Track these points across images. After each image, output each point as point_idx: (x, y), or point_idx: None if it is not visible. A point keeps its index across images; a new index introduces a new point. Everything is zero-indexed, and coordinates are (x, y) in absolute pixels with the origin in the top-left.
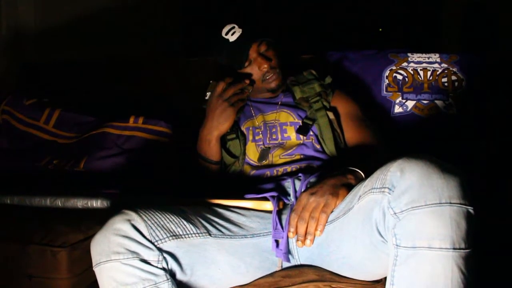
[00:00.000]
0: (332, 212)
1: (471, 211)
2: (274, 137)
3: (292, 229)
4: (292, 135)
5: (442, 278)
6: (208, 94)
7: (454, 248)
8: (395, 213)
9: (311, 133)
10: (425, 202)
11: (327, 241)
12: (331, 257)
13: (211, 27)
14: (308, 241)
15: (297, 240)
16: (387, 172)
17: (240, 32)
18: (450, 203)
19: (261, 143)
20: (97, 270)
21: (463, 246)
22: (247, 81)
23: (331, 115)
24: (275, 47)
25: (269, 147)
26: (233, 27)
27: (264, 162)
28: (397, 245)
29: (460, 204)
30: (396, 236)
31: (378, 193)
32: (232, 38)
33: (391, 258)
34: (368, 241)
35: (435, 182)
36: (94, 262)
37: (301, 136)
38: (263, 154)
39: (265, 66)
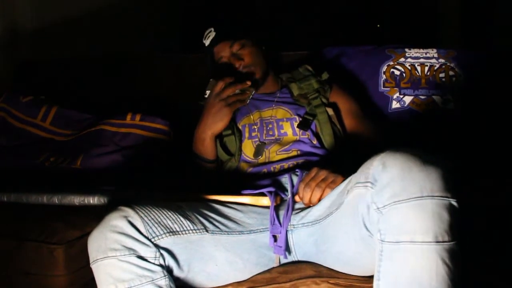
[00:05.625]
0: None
1: (454, 203)
2: (270, 133)
3: (299, 196)
4: (288, 130)
5: (427, 272)
6: (208, 92)
7: (437, 241)
8: (378, 208)
9: (308, 130)
10: (406, 196)
11: (323, 237)
12: (327, 253)
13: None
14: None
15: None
16: (370, 166)
17: (214, 35)
18: (432, 196)
19: (257, 139)
20: (94, 267)
21: (446, 238)
22: (249, 82)
23: (330, 111)
24: (251, 47)
25: (265, 143)
26: (210, 31)
27: (261, 158)
28: (381, 240)
29: (442, 196)
30: (380, 231)
31: (362, 187)
32: (207, 42)
33: (376, 253)
34: (358, 236)
35: (417, 175)
36: (91, 259)
37: (298, 132)
38: (259, 149)
39: (237, 65)
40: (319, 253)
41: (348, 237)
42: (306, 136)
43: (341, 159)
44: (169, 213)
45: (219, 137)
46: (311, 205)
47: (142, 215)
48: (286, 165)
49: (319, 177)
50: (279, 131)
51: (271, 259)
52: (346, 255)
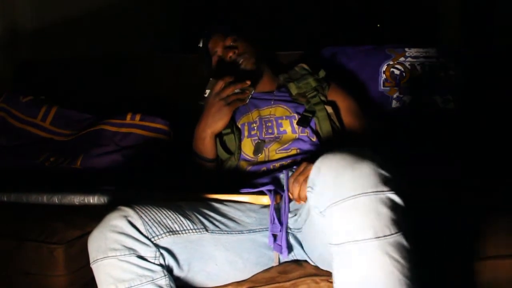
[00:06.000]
0: None
1: (392, 195)
2: (270, 131)
3: (290, 192)
4: (287, 128)
5: (374, 269)
6: (208, 91)
7: (377, 237)
8: (320, 212)
9: (307, 127)
10: (341, 197)
11: (305, 241)
12: (313, 255)
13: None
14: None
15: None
16: (311, 172)
17: (208, 31)
18: (365, 192)
19: (256, 138)
20: (94, 267)
21: (387, 232)
22: (248, 82)
23: (329, 109)
24: (244, 41)
25: (264, 140)
26: (205, 30)
27: (260, 156)
28: (329, 243)
29: (376, 191)
30: (326, 234)
31: (308, 192)
32: (201, 40)
33: (330, 256)
34: (325, 238)
35: (349, 175)
36: (91, 259)
37: (297, 129)
38: (258, 147)
39: (231, 54)
40: (308, 254)
41: (322, 238)
42: (306, 134)
43: None
44: (169, 213)
45: (219, 136)
46: (302, 202)
47: (142, 214)
48: (285, 163)
49: (307, 171)
50: (278, 129)
51: (271, 258)
52: (326, 256)
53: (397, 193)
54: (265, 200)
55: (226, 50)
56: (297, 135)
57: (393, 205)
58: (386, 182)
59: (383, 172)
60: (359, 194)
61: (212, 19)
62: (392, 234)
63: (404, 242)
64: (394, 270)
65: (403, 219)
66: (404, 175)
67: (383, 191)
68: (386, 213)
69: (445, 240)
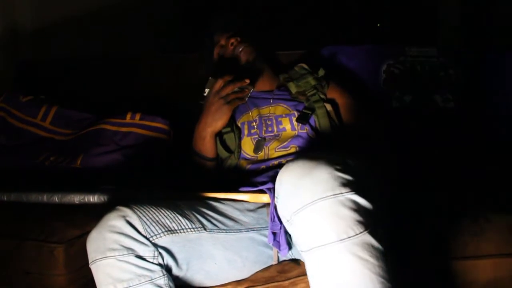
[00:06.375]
0: None
1: (351, 195)
2: (269, 129)
3: None
4: (287, 126)
5: (344, 271)
6: (207, 90)
7: (341, 239)
8: (288, 221)
9: (306, 124)
10: (302, 204)
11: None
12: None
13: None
14: None
15: None
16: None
17: (213, 26)
18: (323, 197)
19: (257, 136)
20: (93, 267)
21: (351, 233)
22: (247, 80)
23: (328, 106)
24: (246, 34)
25: (264, 138)
26: (210, 25)
27: (260, 154)
28: (301, 251)
29: (334, 194)
30: (296, 242)
31: (276, 202)
32: (206, 34)
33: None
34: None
35: (306, 181)
36: (90, 260)
37: (296, 127)
38: (258, 144)
39: (233, 41)
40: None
41: None
42: (305, 131)
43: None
44: (167, 212)
45: (219, 135)
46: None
47: (140, 214)
48: (284, 161)
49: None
50: (278, 127)
51: (270, 256)
52: None
53: (359, 193)
54: (265, 198)
55: (229, 39)
56: (296, 132)
57: (355, 206)
58: (345, 184)
59: (341, 174)
60: (318, 199)
61: (217, 14)
62: (356, 234)
63: (373, 241)
64: (364, 270)
65: (369, 218)
66: (388, 173)
67: (341, 193)
68: (347, 214)
69: (436, 239)
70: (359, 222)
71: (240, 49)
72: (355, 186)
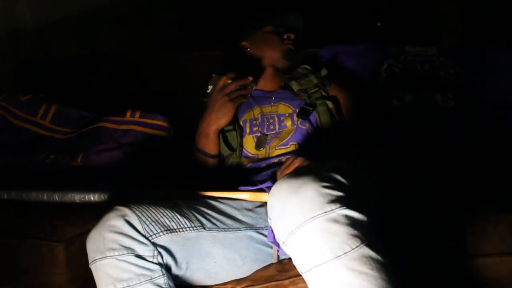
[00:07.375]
0: None
1: (342, 211)
2: (271, 127)
3: None
4: (288, 123)
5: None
6: (210, 87)
7: (337, 256)
8: (283, 243)
9: (306, 121)
10: (294, 226)
11: None
12: None
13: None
14: None
15: None
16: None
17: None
18: (313, 216)
19: (259, 134)
20: (93, 267)
21: (347, 249)
22: (250, 78)
23: (330, 104)
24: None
25: (266, 135)
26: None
27: (262, 150)
28: (301, 272)
29: (325, 212)
30: (295, 264)
31: (270, 225)
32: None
33: None
34: None
35: (294, 203)
36: (90, 259)
37: (296, 122)
38: (260, 141)
39: (292, 35)
40: None
41: None
42: (305, 128)
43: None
44: (166, 211)
45: (221, 132)
46: None
47: (139, 213)
48: (284, 158)
49: (293, 165)
50: (280, 124)
51: (270, 255)
52: None
53: (350, 207)
54: (265, 197)
55: (288, 32)
56: (295, 126)
57: (347, 220)
58: (334, 200)
59: (329, 191)
60: (309, 219)
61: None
62: (353, 249)
63: (371, 253)
64: (365, 284)
65: (364, 230)
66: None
67: (332, 210)
68: (341, 230)
69: (436, 239)
70: (354, 236)
71: (288, 42)
72: (345, 201)
